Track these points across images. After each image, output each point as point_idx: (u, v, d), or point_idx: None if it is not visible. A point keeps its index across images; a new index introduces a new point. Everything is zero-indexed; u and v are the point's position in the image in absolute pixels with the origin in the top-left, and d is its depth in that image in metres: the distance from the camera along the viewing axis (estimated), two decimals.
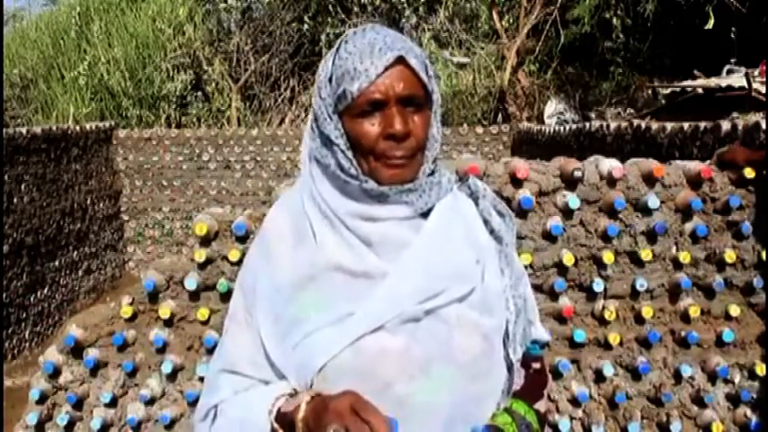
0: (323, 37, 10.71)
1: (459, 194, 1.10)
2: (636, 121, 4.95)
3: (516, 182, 2.50)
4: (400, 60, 0.97)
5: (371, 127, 0.98)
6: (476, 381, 1.00)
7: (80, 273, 7.88)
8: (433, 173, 1.04)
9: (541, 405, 1.11)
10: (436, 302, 0.98)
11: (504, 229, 1.10)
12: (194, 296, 2.53)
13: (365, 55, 0.96)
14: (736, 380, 2.61)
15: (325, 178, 1.02)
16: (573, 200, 2.47)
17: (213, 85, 11.04)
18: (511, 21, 10.58)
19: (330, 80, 1.00)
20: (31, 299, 6.83)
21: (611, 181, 2.51)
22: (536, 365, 1.14)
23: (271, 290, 1.03)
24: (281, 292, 1.02)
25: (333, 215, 1.00)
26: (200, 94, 11.20)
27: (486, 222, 1.10)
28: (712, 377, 2.59)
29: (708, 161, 2.60)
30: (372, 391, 0.93)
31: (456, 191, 1.09)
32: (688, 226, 2.54)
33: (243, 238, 2.49)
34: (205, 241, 2.49)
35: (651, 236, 2.54)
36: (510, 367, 1.08)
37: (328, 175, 1.02)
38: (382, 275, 0.98)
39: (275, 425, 0.95)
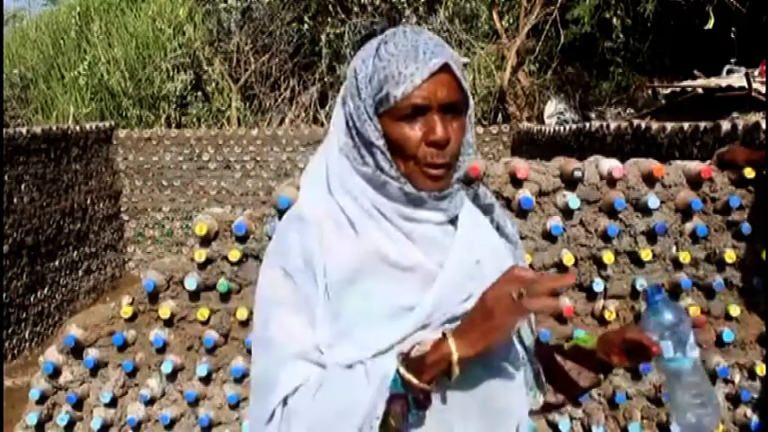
0: (323, 37, 10.71)
1: (467, 200, 1.11)
2: (636, 121, 4.95)
3: (516, 182, 2.50)
4: (445, 67, 0.97)
5: (413, 132, 0.98)
6: (501, 373, 1.04)
7: (80, 273, 7.89)
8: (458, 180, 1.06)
9: None
10: (469, 304, 0.99)
11: (517, 235, 1.16)
12: (194, 296, 2.53)
13: (410, 59, 0.96)
14: (736, 380, 2.61)
15: (356, 174, 1.01)
16: (573, 200, 2.47)
17: (213, 85, 11.04)
18: (511, 21, 10.58)
19: (371, 81, 0.99)
20: (31, 299, 6.83)
21: (611, 181, 2.51)
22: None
23: (320, 279, 0.99)
24: (331, 282, 0.99)
25: (373, 209, 1.00)
26: (200, 94, 11.19)
27: (498, 228, 1.13)
28: (712, 377, 2.59)
29: (708, 161, 2.60)
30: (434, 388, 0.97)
31: (467, 201, 1.11)
32: (688, 226, 2.54)
33: (243, 238, 2.49)
34: (205, 241, 2.49)
35: (651, 236, 2.54)
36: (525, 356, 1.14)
37: (361, 173, 1.01)
38: (427, 273, 1.00)
39: (408, 376, 0.92)
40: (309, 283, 0.99)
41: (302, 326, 0.99)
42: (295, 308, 0.99)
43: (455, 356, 0.91)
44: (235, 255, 2.45)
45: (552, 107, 9.77)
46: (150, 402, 2.56)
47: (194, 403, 2.57)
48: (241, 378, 2.54)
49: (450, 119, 0.99)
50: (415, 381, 0.91)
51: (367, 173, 1.01)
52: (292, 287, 1.00)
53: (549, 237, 2.52)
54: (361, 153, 1.01)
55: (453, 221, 1.05)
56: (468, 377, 0.98)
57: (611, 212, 2.52)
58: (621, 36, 9.26)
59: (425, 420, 0.95)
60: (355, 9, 10.72)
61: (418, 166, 0.99)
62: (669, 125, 4.06)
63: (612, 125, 5.08)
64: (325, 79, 10.74)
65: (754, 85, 5.21)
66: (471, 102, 1.04)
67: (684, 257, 2.52)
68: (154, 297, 2.54)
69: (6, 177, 6.38)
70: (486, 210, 1.14)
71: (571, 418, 2.60)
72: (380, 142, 0.99)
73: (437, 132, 0.97)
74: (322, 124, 10.04)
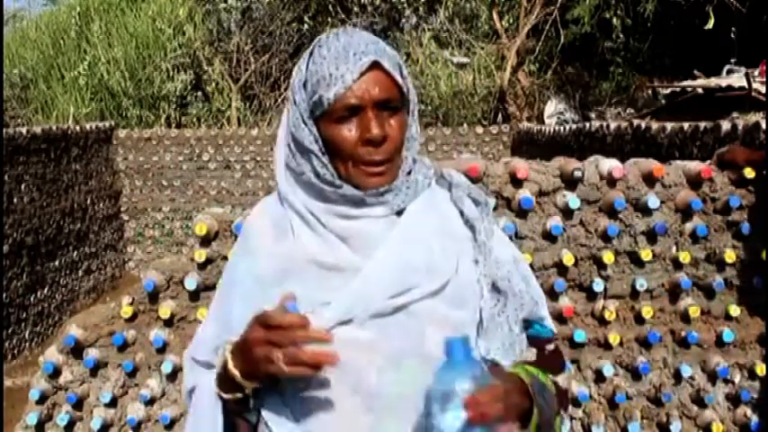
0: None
1: (437, 189, 1.11)
2: (636, 121, 4.95)
3: (516, 182, 2.50)
4: (375, 65, 0.98)
5: (349, 132, 0.99)
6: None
7: (80, 273, 7.89)
8: (410, 172, 1.06)
9: (562, 379, 1.11)
10: (408, 298, 0.99)
11: (478, 216, 1.10)
12: (194, 296, 2.53)
13: (340, 60, 0.97)
14: (736, 380, 2.61)
15: (298, 186, 1.04)
16: (573, 200, 2.47)
17: (213, 85, 11.04)
18: (511, 21, 10.58)
19: (305, 86, 1.01)
20: (31, 299, 6.83)
21: (611, 181, 2.51)
22: (550, 347, 1.15)
23: (250, 281, 1.06)
24: (259, 284, 1.05)
25: (309, 214, 1.03)
26: (200, 94, 11.20)
27: (461, 213, 1.10)
28: (712, 377, 2.59)
29: (708, 161, 2.60)
30: (345, 381, 0.97)
31: (434, 186, 1.10)
32: (688, 226, 2.54)
33: None
34: (205, 241, 2.49)
35: (651, 236, 2.54)
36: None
37: (302, 183, 1.03)
38: (355, 270, 1.00)
39: (217, 390, 1.01)
40: (230, 290, 1.10)
41: (212, 333, 1.10)
42: (214, 316, 1.12)
43: (232, 370, 0.96)
44: None
45: (552, 107, 9.77)
46: (150, 402, 2.56)
47: None
48: None
49: (388, 116, 1.00)
50: (238, 376, 0.96)
51: (304, 180, 1.03)
52: (218, 298, 1.13)
53: (549, 237, 2.52)
54: (297, 161, 1.03)
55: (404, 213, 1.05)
56: (413, 380, 0.96)
57: (611, 212, 2.52)
58: (621, 36, 9.26)
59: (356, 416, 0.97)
60: (355, 9, 10.73)
61: (357, 166, 0.99)
62: (669, 125, 4.06)
63: (612, 125, 5.08)
64: None
65: (754, 85, 5.21)
66: (413, 96, 1.05)
67: (684, 257, 2.52)
68: (154, 297, 2.54)
69: (6, 177, 6.38)
70: (453, 195, 1.12)
71: (571, 418, 2.60)
72: (315, 147, 1.00)
73: (371, 130, 0.97)
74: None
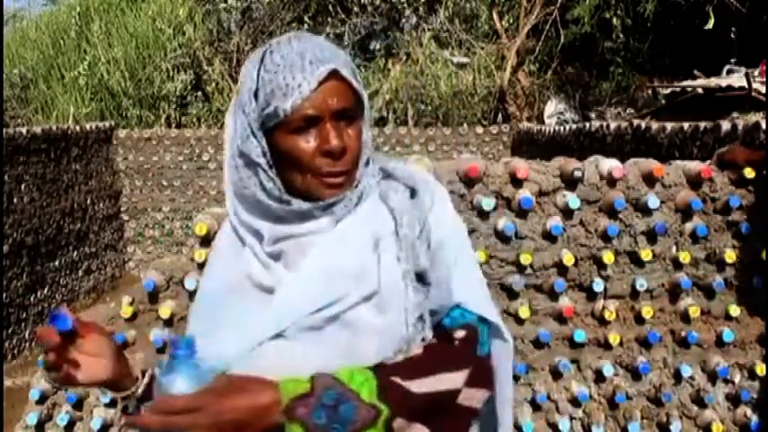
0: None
1: (384, 188, 1.05)
2: (636, 121, 4.95)
3: (516, 182, 2.50)
4: (333, 73, 0.94)
5: (307, 144, 0.95)
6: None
7: (80, 273, 7.88)
8: (358, 183, 1.02)
9: (425, 384, 0.94)
10: (338, 308, 0.96)
11: (403, 208, 1.02)
12: (194, 296, 2.53)
13: (296, 68, 0.93)
14: (736, 380, 2.61)
15: (241, 203, 1.01)
16: (573, 200, 2.47)
17: (213, 85, 11.03)
18: (511, 21, 10.58)
19: (255, 95, 0.96)
20: (31, 299, 6.83)
21: (611, 181, 2.51)
22: (459, 334, 1.01)
23: (204, 299, 1.08)
24: (210, 303, 1.06)
25: (250, 233, 1.01)
26: (200, 94, 11.19)
27: (391, 212, 1.04)
28: (712, 377, 2.59)
29: (708, 161, 2.60)
30: None
31: (382, 184, 1.05)
32: (688, 226, 2.54)
33: None
34: (205, 241, 2.49)
35: (651, 236, 2.54)
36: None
37: (245, 199, 1.00)
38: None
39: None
40: (193, 313, 1.11)
41: None
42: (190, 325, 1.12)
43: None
44: None
45: (552, 107, 9.78)
46: None
47: None
48: None
49: (345, 125, 0.97)
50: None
51: (248, 196, 0.99)
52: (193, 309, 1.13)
53: (549, 237, 2.52)
54: (242, 174, 0.99)
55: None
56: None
57: (611, 212, 2.52)
58: (621, 36, 9.26)
59: None
60: (355, 9, 10.73)
61: (316, 177, 0.96)
62: (669, 125, 4.06)
63: (612, 125, 5.08)
64: None
65: (754, 85, 5.21)
66: (367, 102, 1.02)
67: (684, 257, 2.52)
68: (154, 297, 2.54)
69: (6, 177, 6.37)
70: (382, 190, 1.05)
71: (571, 418, 2.60)
72: (262, 160, 0.96)
73: (331, 142, 0.94)
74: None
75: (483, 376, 1.01)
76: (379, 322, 0.97)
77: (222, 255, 1.08)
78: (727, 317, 2.58)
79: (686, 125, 3.81)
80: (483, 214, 2.48)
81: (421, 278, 1.01)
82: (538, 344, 2.57)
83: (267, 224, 0.99)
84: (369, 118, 1.03)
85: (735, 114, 4.79)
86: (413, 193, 1.04)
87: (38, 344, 1.15)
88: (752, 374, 2.60)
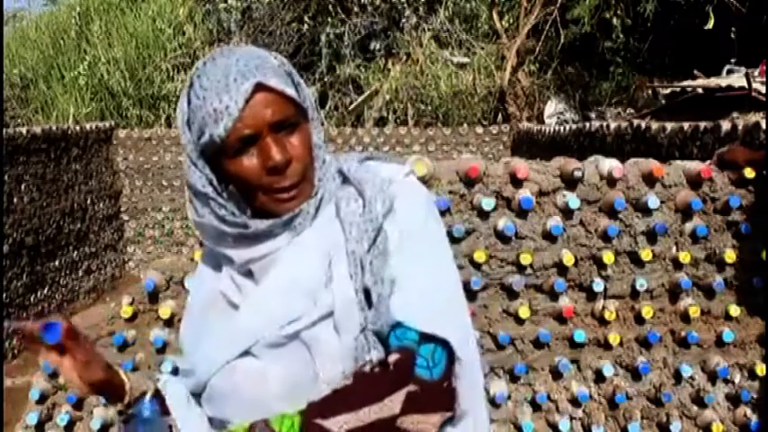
0: (323, 37, 10.71)
1: (345, 194, 1.00)
2: (636, 121, 4.95)
3: (516, 182, 2.50)
4: (259, 86, 0.90)
5: (249, 163, 0.92)
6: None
7: (80, 273, 7.88)
8: (317, 191, 0.98)
9: (351, 420, 0.88)
10: (297, 326, 0.95)
11: (356, 218, 0.96)
12: None
13: (221, 90, 0.89)
14: (736, 380, 2.61)
15: (204, 236, 1.02)
16: (573, 200, 2.46)
17: None
18: (511, 21, 10.58)
19: (188, 125, 0.94)
20: (31, 299, 6.83)
21: (611, 181, 2.51)
22: (392, 358, 0.92)
23: (189, 312, 1.12)
24: (192, 316, 1.10)
25: (220, 256, 1.03)
26: None
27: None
28: (712, 377, 2.59)
29: (708, 161, 2.60)
30: (247, 410, 0.96)
31: (342, 189, 1.01)
32: (688, 226, 2.54)
33: None
34: None
35: (651, 236, 2.54)
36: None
37: (206, 232, 1.00)
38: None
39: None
40: (183, 322, 1.13)
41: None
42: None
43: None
44: None
45: (552, 107, 9.78)
46: None
47: None
48: None
49: (286, 135, 0.93)
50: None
51: (206, 226, 0.98)
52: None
53: (549, 237, 2.52)
54: (194, 206, 0.98)
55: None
56: None
57: (611, 212, 2.52)
58: (621, 36, 9.26)
59: None
60: (355, 9, 10.72)
61: (267, 194, 0.94)
62: (669, 125, 4.06)
63: (612, 125, 5.08)
64: (325, 79, 10.74)
65: (754, 85, 5.21)
66: (310, 100, 0.98)
67: (684, 257, 2.52)
68: (154, 297, 2.54)
69: (6, 177, 6.37)
70: (336, 199, 1.00)
71: (571, 418, 2.60)
72: (209, 189, 0.94)
73: (273, 157, 0.91)
74: (321, 124, 10.04)
75: (432, 400, 0.93)
76: (335, 342, 0.94)
77: (204, 268, 1.10)
78: (727, 317, 2.58)
79: (686, 125, 3.81)
80: (483, 214, 2.48)
81: (368, 296, 0.95)
82: (538, 344, 2.57)
83: (232, 250, 0.99)
84: (316, 118, 0.99)
85: (735, 114, 4.79)
86: (364, 200, 0.98)
87: (20, 342, 1.31)
88: (752, 374, 2.60)
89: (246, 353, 0.98)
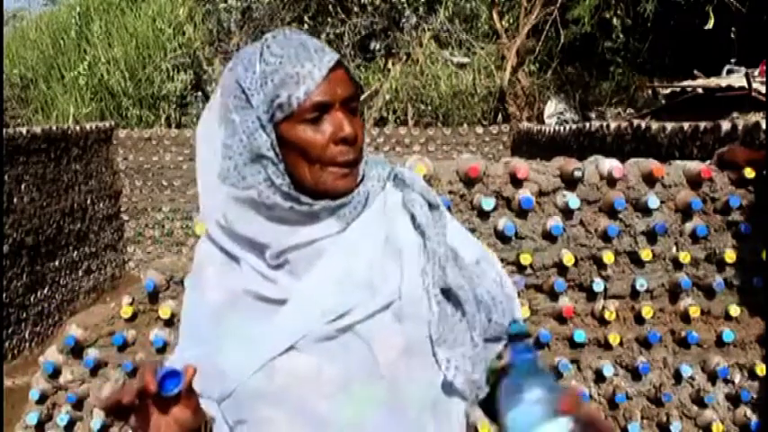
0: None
1: (391, 192, 1.02)
2: (636, 121, 4.95)
3: (516, 182, 2.50)
4: (339, 63, 0.93)
5: (318, 133, 0.91)
6: (400, 395, 0.95)
7: (80, 273, 7.88)
8: (362, 180, 0.98)
9: None
10: (351, 318, 0.93)
11: (430, 222, 1.00)
12: None
13: (302, 57, 0.90)
14: (736, 380, 2.61)
15: (240, 209, 0.94)
16: (573, 200, 2.47)
17: (213, 85, 11.03)
18: (511, 21, 10.59)
19: (262, 87, 0.91)
20: (31, 299, 6.83)
21: (611, 181, 2.51)
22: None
23: (199, 316, 1.01)
24: (207, 319, 1.00)
25: (251, 247, 0.96)
26: (200, 94, 11.20)
27: (413, 217, 1.00)
28: (712, 377, 2.59)
29: (708, 161, 2.60)
30: (288, 412, 0.93)
31: (389, 188, 1.02)
32: (688, 226, 2.54)
33: None
34: None
35: (651, 236, 2.54)
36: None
37: (242, 199, 0.93)
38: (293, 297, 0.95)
39: None
40: (186, 330, 1.05)
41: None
42: (177, 353, 1.05)
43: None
44: None
45: (552, 107, 9.78)
46: None
47: None
48: None
49: (351, 115, 0.94)
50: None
51: (250, 196, 0.93)
52: (180, 331, 1.07)
53: (549, 237, 2.52)
54: (242, 174, 0.93)
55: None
56: (366, 403, 0.93)
57: (611, 212, 2.52)
58: (621, 36, 9.27)
59: None
60: (355, 9, 10.72)
61: (327, 168, 0.92)
62: (669, 125, 4.06)
63: (612, 125, 5.08)
64: None
65: (754, 85, 5.22)
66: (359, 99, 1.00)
67: (684, 257, 2.52)
68: (154, 297, 2.54)
69: (6, 177, 6.37)
70: (405, 198, 1.02)
71: None
72: (272, 153, 0.91)
73: (345, 129, 0.91)
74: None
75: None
76: (401, 332, 0.95)
77: (210, 270, 1.02)
78: (727, 317, 2.58)
79: (686, 125, 3.81)
80: (483, 214, 2.48)
81: (450, 294, 0.98)
82: (538, 344, 2.57)
83: (269, 232, 0.94)
84: (362, 116, 1.01)
85: (735, 114, 4.79)
86: (430, 206, 1.02)
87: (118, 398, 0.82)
88: (752, 374, 2.60)
89: (289, 349, 0.93)
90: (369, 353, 0.93)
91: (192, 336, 1.02)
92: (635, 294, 2.58)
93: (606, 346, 2.59)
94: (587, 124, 5.77)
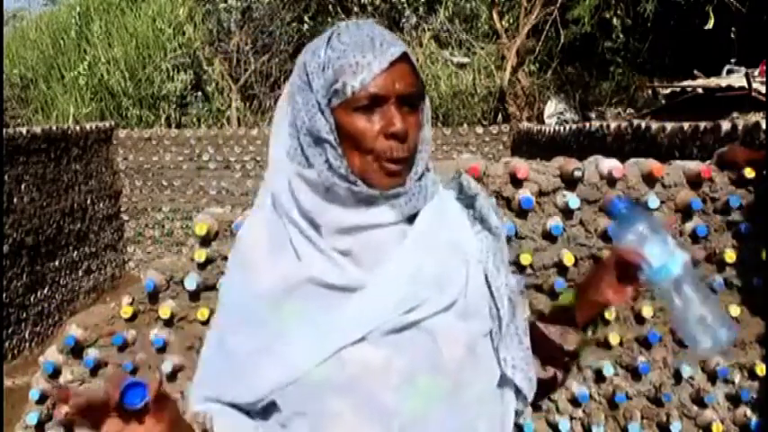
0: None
1: (445, 195, 1.04)
2: (636, 121, 4.95)
3: (516, 182, 2.50)
4: (403, 57, 0.93)
5: (369, 124, 0.92)
6: (462, 390, 0.96)
7: (80, 273, 7.89)
8: (421, 177, 0.98)
9: None
10: (420, 313, 0.94)
11: (501, 227, 1.05)
12: (194, 296, 2.53)
13: (366, 48, 0.92)
14: (736, 380, 2.61)
15: (304, 187, 0.95)
16: (573, 200, 2.47)
17: (213, 85, 11.04)
18: (511, 21, 10.59)
19: (323, 71, 0.93)
20: (31, 299, 6.83)
21: (611, 181, 2.51)
22: None
23: (248, 298, 0.99)
24: (259, 302, 0.97)
25: (312, 228, 0.95)
26: (200, 94, 11.20)
27: (481, 221, 1.04)
28: (712, 377, 2.59)
29: (708, 161, 2.60)
30: (354, 402, 0.92)
31: (442, 191, 1.03)
32: (688, 226, 2.54)
33: None
34: (205, 241, 2.49)
35: None
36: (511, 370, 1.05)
37: (305, 178, 0.95)
38: (362, 286, 0.94)
39: None
40: (234, 317, 1.01)
41: (213, 363, 1.02)
42: (215, 344, 1.03)
43: None
44: None
45: (552, 107, 9.78)
46: None
47: None
48: None
49: (407, 113, 0.93)
50: None
51: (312, 177, 0.94)
52: (222, 320, 1.04)
53: (549, 237, 2.52)
54: (305, 154, 0.95)
55: (413, 221, 0.98)
56: (431, 397, 0.94)
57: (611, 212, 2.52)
58: (621, 36, 9.27)
59: None
60: (355, 9, 10.74)
61: (376, 161, 0.93)
62: (669, 125, 4.06)
63: (612, 125, 5.08)
64: None
65: (754, 85, 5.21)
66: (426, 97, 1.00)
67: None
68: (154, 297, 2.54)
69: (6, 177, 6.38)
70: (469, 202, 1.05)
71: (571, 418, 2.60)
72: (331, 137, 0.93)
73: (396, 124, 0.91)
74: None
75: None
76: (465, 329, 0.97)
77: (261, 255, 0.99)
78: None
79: (686, 125, 3.81)
80: None
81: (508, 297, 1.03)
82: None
83: (331, 211, 0.94)
84: (428, 117, 1.00)
85: (735, 114, 4.79)
86: (495, 211, 1.07)
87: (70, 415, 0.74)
88: (752, 374, 2.60)
89: (360, 340, 0.93)
90: (434, 347, 0.95)
91: (245, 322, 0.98)
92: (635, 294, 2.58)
93: (606, 346, 2.59)
94: (587, 124, 5.77)
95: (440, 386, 0.94)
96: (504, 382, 1.03)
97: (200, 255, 2.47)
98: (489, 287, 1.02)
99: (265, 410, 0.97)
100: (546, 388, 1.11)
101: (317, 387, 0.93)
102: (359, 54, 0.91)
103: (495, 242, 1.04)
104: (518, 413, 1.06)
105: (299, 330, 0.94)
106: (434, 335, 0.95)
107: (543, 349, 1.10)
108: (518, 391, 1.04)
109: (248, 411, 0.98)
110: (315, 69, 0.94)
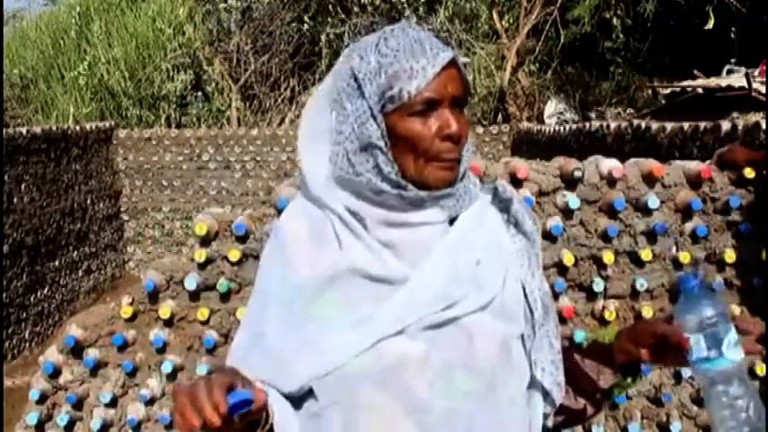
0: (323, 37, 10.71)
1: (482, 198, 1.06)
2: (636, 121, 4.95)
3: (516, 182, 2.50)
4: (452, 61, 0.96)
5: (425, 127, 0.95)
6: (495, 389, 0.98)
7: (80, 273, 7.89)
8: (463, 177, 1.01)
9: None
10: (458, 310, 0.95)
11: (535, 230, 1.08)
12: (194, 296, 2.53)
13: (417, 53, 0.94)
14: None
15: (344, 189, 0.97)
16: (573, 200, 2.47)
17: (213, 85, 11.04)
18: (511, 21, 10.59)
19: (376, 77, 0.95)
20: (31, 299, 6.83)
21: (611, 181, 2.51)
22: None
23: (287, 290, 0.99)
24: (299, 291, 0.98)
25: (353, 219, 0.97)
26: (200, 94, 11.20)
27: (516, 225, 1.06)
28: None
29: (708, 161, 2.60)
30: (390, 395, 0.93)
31: (480, 195, 1.06)
32: (688, 226, 2.54)
33: (243, 238, 2.49)
34: (205, 241, 2.49)
35: (651, 236, 2.54)
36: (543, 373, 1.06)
37: (352, 185, 0.97)
38: (403, 280, 0.95)
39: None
40: (270, 305, 1.01)
41: (245, 348, 1.01)
42: (249, 328, 1.03)
43: None
44: (235, 255, 2.45)
45: (552, 107, 9.78)
46: (150, 402, 2.56)
47: None
48: None
49: (458, 114, 0.97)
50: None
51: (359, 184, 0.95)
52: (257, 307, 1.04)
53: (549, 237, 2.52)
54: (354, 160, 0.96)
55: (453, 221, 1.01)
56: (464, 394, 0.95)
57: (611, 212, 2.52)
58: (621, 36, 9.27)
59: None
60: (355, 9, 10.73)
61: (430, 162, 0.95)
62: (669, 125, 4.06)
63: (612, 125, 5.08)
64: None
65: (754, 85, 5.21)
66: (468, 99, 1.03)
67: (684, 257, 2.52)
68: (154, 297, 2.54)
69: (6, 177, 6.38)
70: (504, 206, 1.07)
71: None
72: (382, 142, 0.94)
73: (452, 127, 0.95)
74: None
75: None
76: (501, 329, 0.99)
77: (298, 246, 1.00)
78: None
79: (686, 125, 3.81)
80: None
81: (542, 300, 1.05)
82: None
83: (374, 210, 0.96)
84: (468, 119, 1.03)
85: (735, 114, 4.79)
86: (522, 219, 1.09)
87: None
88: (752, 374, 2.60)
89: (399, 332, 0.94)
90: (470, 345, 0.96)
91: (284, 313, 0.99)
92: (635, 294, 2.58)
93: None
94: (587, 124, 5.77)
95: (474, 384, 0.95)
96: (532, 384, 1.04)
97: (200, 255, 2.47)
98: (524, 290, 1.04)
99: (301, 399, 0.97)
100: (575, 418, 1.13)
101: (353, 378, 0.93)
102: (412, 59, 0.94)
103: (530, 246, 1.06)
104: (545, 416, 1.07)
105: (338, 321, 0.95)
106: (471, 333, 0.96)
107: (577, 380, 1.11)
108: (546, 394, 1.04)
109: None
110: (366, 75, 0.96)
